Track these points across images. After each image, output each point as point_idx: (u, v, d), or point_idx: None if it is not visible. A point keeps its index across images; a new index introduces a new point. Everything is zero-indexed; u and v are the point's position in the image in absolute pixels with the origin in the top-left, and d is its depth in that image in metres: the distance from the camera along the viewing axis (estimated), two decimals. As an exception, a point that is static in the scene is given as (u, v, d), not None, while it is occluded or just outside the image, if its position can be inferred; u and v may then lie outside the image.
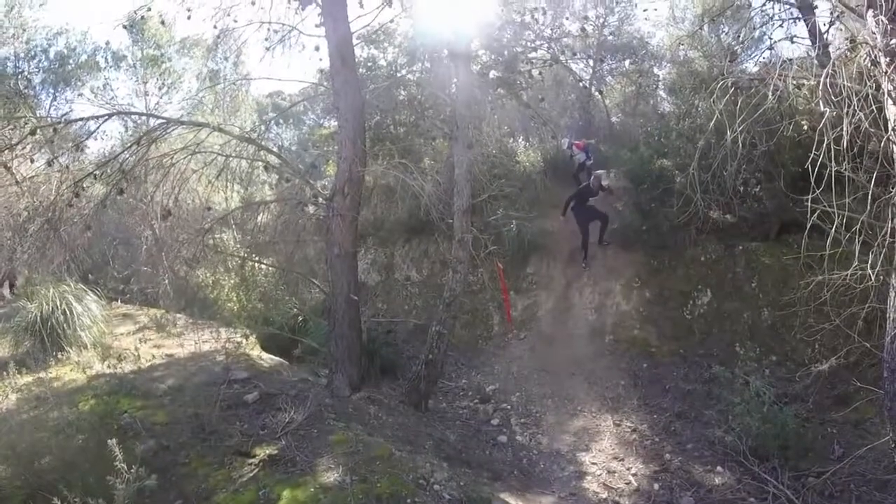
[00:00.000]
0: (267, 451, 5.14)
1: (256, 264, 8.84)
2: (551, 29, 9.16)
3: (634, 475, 6.79)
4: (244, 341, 8.46)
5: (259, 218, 9.04)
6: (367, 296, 11.51)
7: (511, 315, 10.39)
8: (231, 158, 7.58)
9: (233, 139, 7.56)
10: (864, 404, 5.97)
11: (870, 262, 4.24)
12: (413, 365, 8.40)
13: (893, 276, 4.21)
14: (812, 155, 4.56)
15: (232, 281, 9.18)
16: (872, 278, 4.44)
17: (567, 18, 11.07)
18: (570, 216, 10.86)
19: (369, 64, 10.24)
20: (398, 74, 10.12)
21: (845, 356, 5.47)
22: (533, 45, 9.07)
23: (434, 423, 7.94)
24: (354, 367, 7.57)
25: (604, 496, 6.48)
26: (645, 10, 13.30)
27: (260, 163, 8.20)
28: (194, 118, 8.70)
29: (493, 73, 9.29)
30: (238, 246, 9.04)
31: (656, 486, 6.49)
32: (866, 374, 5.92)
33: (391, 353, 9.25)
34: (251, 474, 4.78)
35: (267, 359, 8.42)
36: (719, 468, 6.41)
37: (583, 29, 10.41)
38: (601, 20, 12.57)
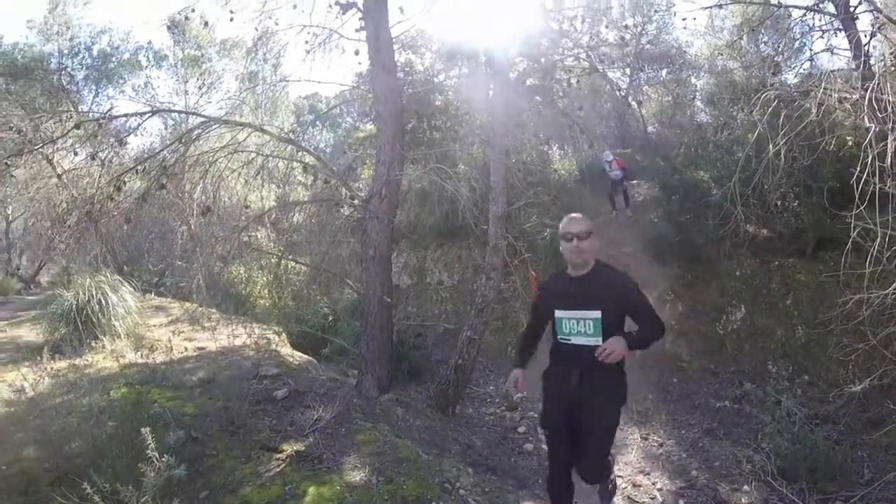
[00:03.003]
0: (294, 448, 5.19)
1: (290, 263, 8.96)
2: (589, 37, 9.08)
3: (660, 490, 6.67)
4: (275, 338, 8.58)
5: (294, 217, 9.17)
6: (399, 298, 11.56)
7: (542, 325, 10.31)
8: (269, 158, 7.71)
9: (271, 139, 7.67)
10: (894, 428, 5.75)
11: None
12: (442, 369, 8.40)
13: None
14: (856, 171, 4.44)
15: (265, 278, 9.31)
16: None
17: (606, 27, 10.99)
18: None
19: (406, 69, 10.30)
20: (435, 80, 10.15)
21: (879, 378, 5.27)
22: (571, 53, 9.00)
23: (461, 429, 7.93)
24: (384, 369, 7.59)
25: (628, 510, 6.41)
26: (684, 20, 13.16)
27: (297, 163, 8.30)
28: (233, 118, 8.84)
29: (530, 81, 9.26)
30: (273, 244, 9.16)
31: (681, 502, 6.36)
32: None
33: (420, 356, 9.27)
34: (278, 469, 4.83)
35: (297, 356, 8.49)
36: (746, 487, 6.25)
37: (621, 38, 10.31)
38: (639, 29, 12.45)
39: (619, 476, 7.06)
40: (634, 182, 11.64)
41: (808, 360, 7.61)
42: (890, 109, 3.96)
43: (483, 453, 7.50)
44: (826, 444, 6.01)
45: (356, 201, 8.04)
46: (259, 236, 9.11)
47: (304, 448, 5.20)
